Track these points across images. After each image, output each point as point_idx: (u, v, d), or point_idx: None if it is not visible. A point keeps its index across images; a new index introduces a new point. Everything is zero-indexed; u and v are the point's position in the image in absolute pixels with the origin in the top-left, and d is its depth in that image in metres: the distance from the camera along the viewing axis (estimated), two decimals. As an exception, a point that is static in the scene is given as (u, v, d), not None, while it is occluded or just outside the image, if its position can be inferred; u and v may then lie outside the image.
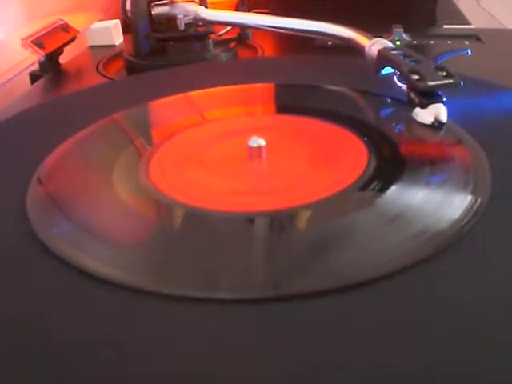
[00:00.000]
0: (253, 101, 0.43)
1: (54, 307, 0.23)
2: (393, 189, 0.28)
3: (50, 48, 0.58)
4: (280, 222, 0.28)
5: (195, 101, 0.43)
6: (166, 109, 0.42)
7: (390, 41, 0.42)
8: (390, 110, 0.40)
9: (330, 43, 0.61)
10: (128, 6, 0.60)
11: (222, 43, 0.60)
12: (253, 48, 0.63)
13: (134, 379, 0.19)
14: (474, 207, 0.26)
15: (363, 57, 0.43)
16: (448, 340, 0.20)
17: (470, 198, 0.27)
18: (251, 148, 0.32)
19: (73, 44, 0.62)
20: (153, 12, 0.58)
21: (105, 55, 0.63)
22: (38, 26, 0.60)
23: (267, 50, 0.62)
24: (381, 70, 0.40)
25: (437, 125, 0.34)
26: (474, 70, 0.43)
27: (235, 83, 0.44)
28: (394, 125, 0.37)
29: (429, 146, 0.34)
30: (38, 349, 0.21)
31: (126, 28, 0.65)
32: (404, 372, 0.19)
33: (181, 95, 0.43)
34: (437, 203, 0.27)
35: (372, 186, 0.29)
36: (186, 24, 0.57)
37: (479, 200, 0.27)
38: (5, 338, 0.21)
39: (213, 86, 0.44)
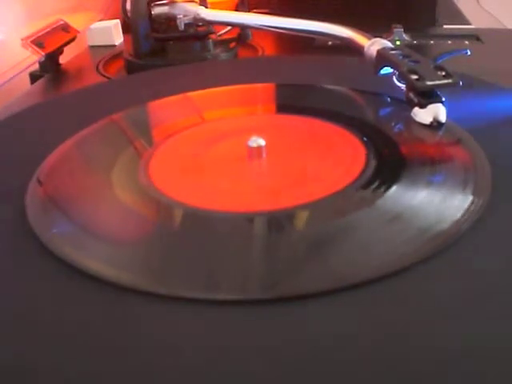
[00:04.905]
0: (253, 101, 0.43)
1: (54, 307, 0.23)
2: (392, 189, 0.28)
3: (50, 48, 0.58)
4: (279, 221, 0.28)
5: (195, 101, 0.43)
6: (165, 109, 0.42)
7: (390, 41, 0.42)
8: (389, 110, 0.40)
9: (330, 43, 0.61)
10: (128, 6, 0.60)
11: (222, 43, 0.60)
12: (253, 48, 0.63)
13: (132, 380, 0.19)
14: (474, 207, 0.26)
15: (363, 57, 0.43)
16: (448, 340, 0.20)
17: (470, 198, 0.27)
18: (251, 148, 0.32)
19: (73, 44, 0.62)
20: (153, 12, 0.58)
21: (105, 55, 0.63)
22: (38, 26, 0.60)
23: (267, 49, 0.62)
24: (380, 70, 0.40)
25: (436, 125, 0.34)
26: (474, 70, 0.43)
27: (235, 83, 0.44)
28: (393, 125, 0.37)
29: (428, 146, 0.34)
30: (37, 349, 0.21)
31: (126, 28, 0.65)
32: (404, 372, 0.19)
33: (180, 95, 0.43)
34: (437, 203, 0.27)
35: (371, 186, 0.29)
36: (185, 24, 0.57)
37: (479, 200, 0.27)
38: (4, 338, 0.21)
39: (213, 86, 0.44)
